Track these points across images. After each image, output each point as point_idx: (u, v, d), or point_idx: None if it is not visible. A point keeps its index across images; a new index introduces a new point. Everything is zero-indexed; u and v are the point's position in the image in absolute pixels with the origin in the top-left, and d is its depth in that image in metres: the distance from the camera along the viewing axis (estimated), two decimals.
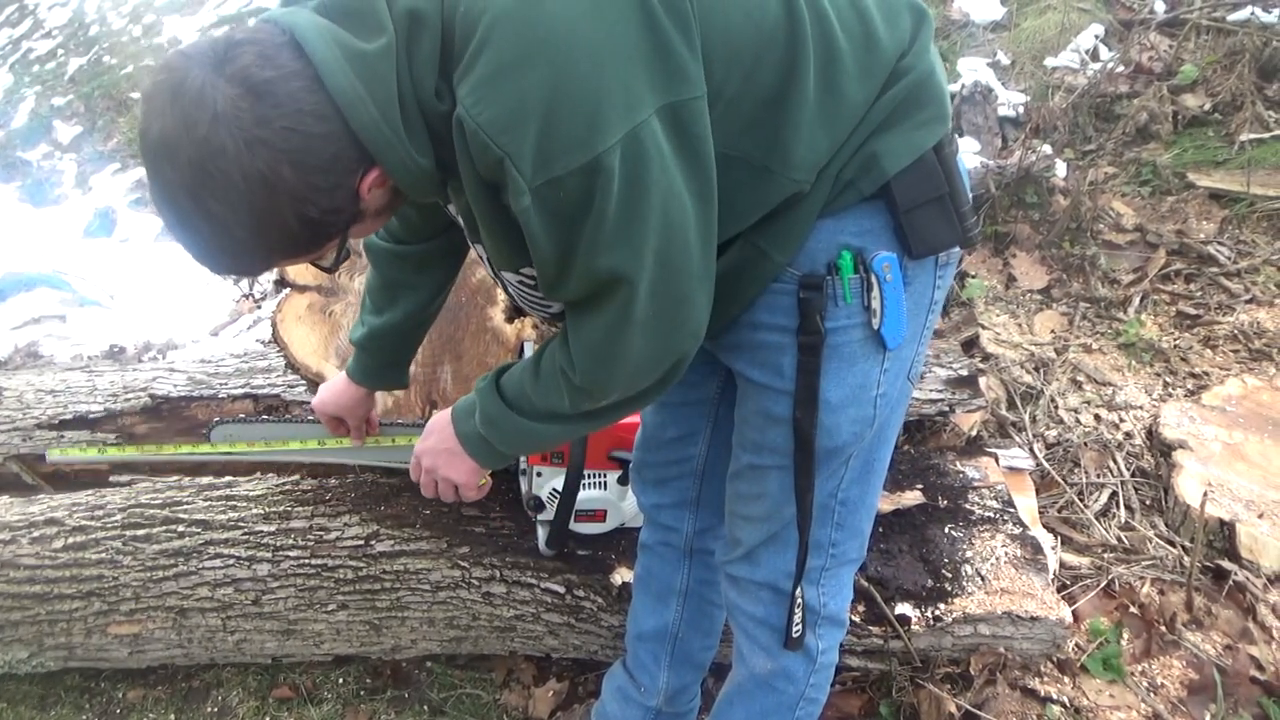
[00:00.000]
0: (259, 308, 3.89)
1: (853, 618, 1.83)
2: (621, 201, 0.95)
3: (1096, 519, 2.32)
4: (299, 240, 1.02)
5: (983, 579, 1.88)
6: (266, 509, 2.01)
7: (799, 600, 1.34)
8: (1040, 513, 2.26)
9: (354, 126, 0.95)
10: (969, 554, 1.93)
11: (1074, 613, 2.04)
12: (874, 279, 1.11)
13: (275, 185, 0.94)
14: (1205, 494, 2.15)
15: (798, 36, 1.02)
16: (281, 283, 2.26)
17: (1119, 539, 2.27)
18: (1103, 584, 2.12)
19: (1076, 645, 2.00)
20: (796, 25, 1.02)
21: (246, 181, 0.92)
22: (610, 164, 0.92)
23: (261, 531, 1.97)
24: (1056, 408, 2.67)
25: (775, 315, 1.16)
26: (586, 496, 1.82)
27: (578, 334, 1.11)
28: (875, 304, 1.12)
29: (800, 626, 1.36)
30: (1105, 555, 2.22)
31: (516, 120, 0.91)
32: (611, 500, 1.86)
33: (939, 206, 1.11)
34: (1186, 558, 2.15)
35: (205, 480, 2.14)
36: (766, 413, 1.23)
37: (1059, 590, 2.05)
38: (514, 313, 2.09)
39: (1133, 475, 2.43)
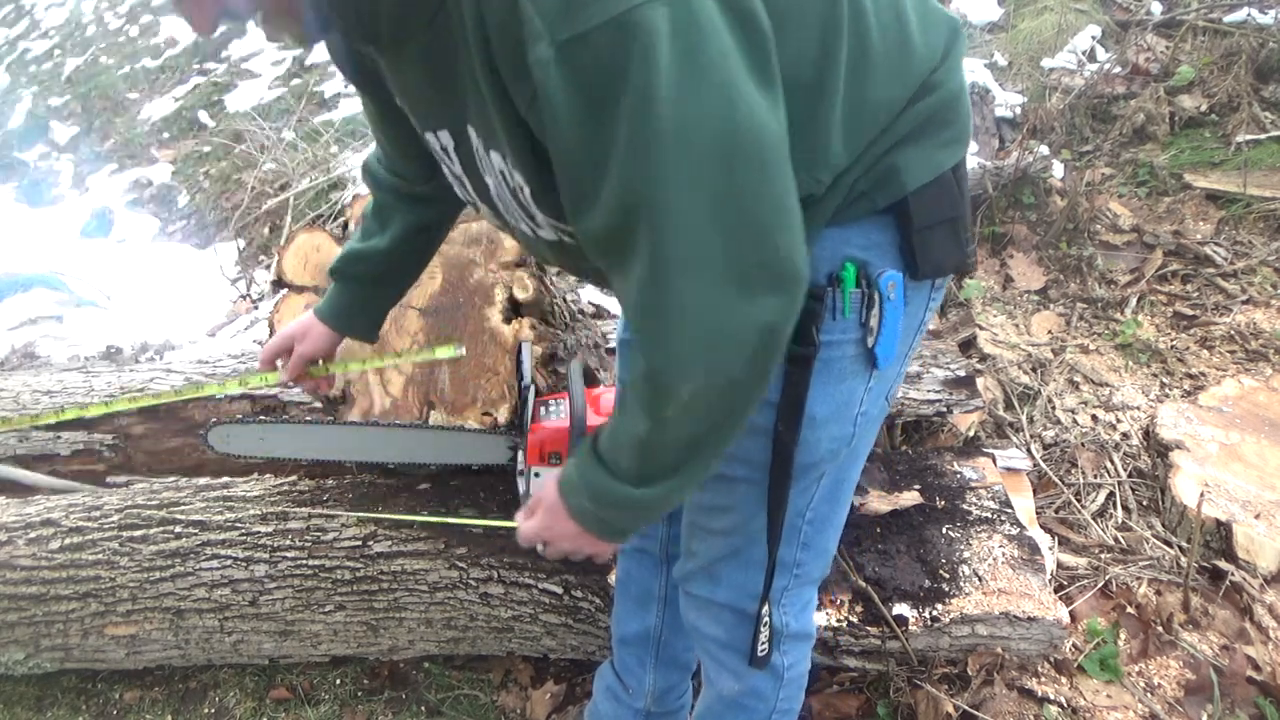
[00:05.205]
0: (256, 308, 3.89)
1: (850, 618, 1.83)
2: (671, 80, 0.77)
3: (1094, 519, 2.33)
4: None
5: (980, 579, 1.88)
6: (264, 510, 2.01)
7: (765, 620, 1.30)
8: (1037, 513, 2.26)
9: None
10: (966, 554, 1.93)
11: (1071, 613, 2.04)
12: (877, 295, 1.06)
13: None
14: (1202, 494, 2.15)
15: (834, 24, 0.95)
16: (279, 284, 2.26)
17: (1116, 539, 2.27)
18: (1100, 584, 2.13)
19: (1074, 645, 2.01)
20: (834, 13, 0.95)
21: None
22: (650, 22, 0.76)
23: (259, 532, 1.96)
24: (1054, 408, 2.68)
25: None
26: None
27: (629, 290, 0.90)
28: (874, 321, 1.08)
29: (766, 645, 1.32)
30: (1102, 556, 2.22)
31: None
32: None
33: (950, 228, 1.07)
34: (1183, 558, 2.15)
35: (202, 481, 2.13)
36: None
37: (1056, 591, 2.05)
38: (511, 313, 2.09)
39: (1130, 476, 2.44)
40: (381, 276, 1.45)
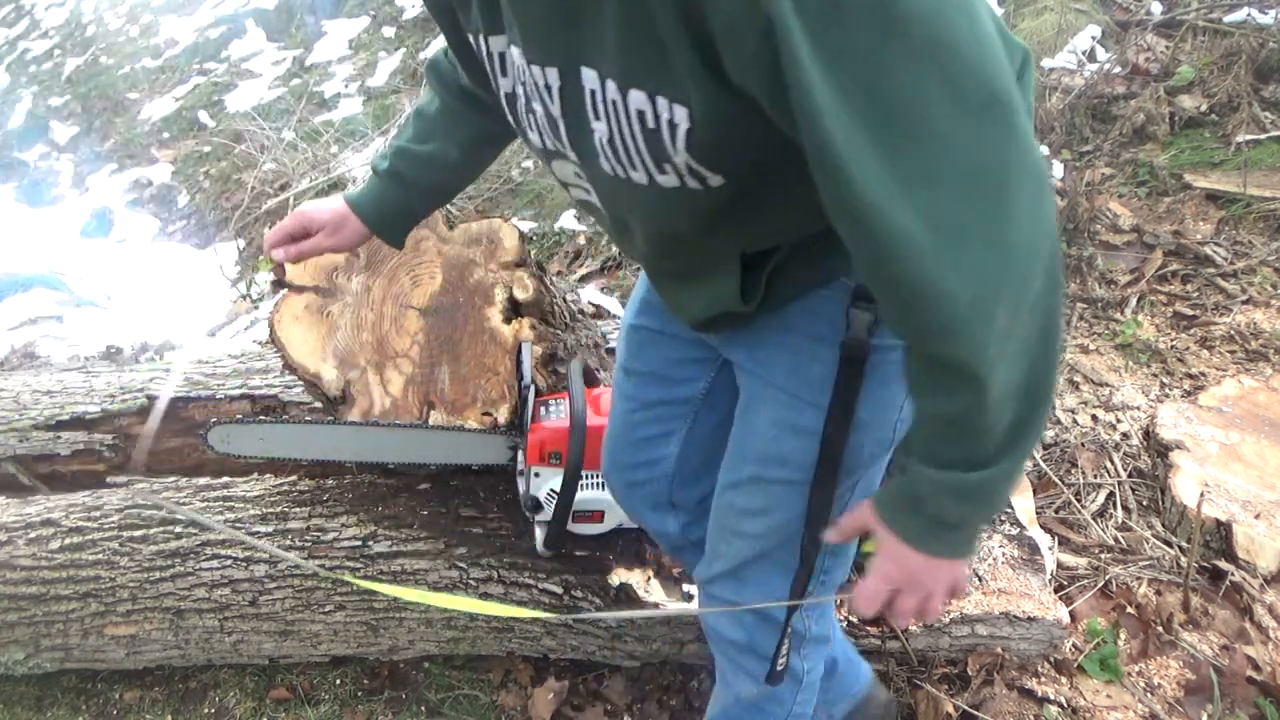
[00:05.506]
0: (256, 308, 3.89)
1: (850, 618, 1.83)
2: (922, 4, 0.72)
3: (1093, 519, 2.33)
4: None
5: (980, 579, 1.88)
6: (264, 510, 2.01)
7: (789, 630, 1.28)
8: (1037, 513, 2.26)
9: None
10: None
11: (1071, 613, 2.04)
12: None
13: None
14: (1202, 494, 2.15)
15: None
16: (279, 284, 2.26)
17: (1116, 539, 2.27)
18: (1100, 584, 2.12)
19: (1074, 645, 2.01)
20: None
21: None
22: None
23: (259, 532, 1.97)
24: (1053, 408, 2.68)
25: (817, 322, 1.10)
26: (584, 497, 1.82)
27: (897, 234, 0.79)
28: None
29: (785, 659, 1.31)
30: (1102, 556, 2.22)
31: None
32: (609, 501, 1.86)
33: None
34: (1183, 558, 2.15)
35: (202, 481, 2.14)
36: (788, 423, 1.16)
37: (1056, 590, 2.05)
38: (511, 313, 2.09)
39: (1130, 476, 2.44)
40: (443, 184, 1.39)
